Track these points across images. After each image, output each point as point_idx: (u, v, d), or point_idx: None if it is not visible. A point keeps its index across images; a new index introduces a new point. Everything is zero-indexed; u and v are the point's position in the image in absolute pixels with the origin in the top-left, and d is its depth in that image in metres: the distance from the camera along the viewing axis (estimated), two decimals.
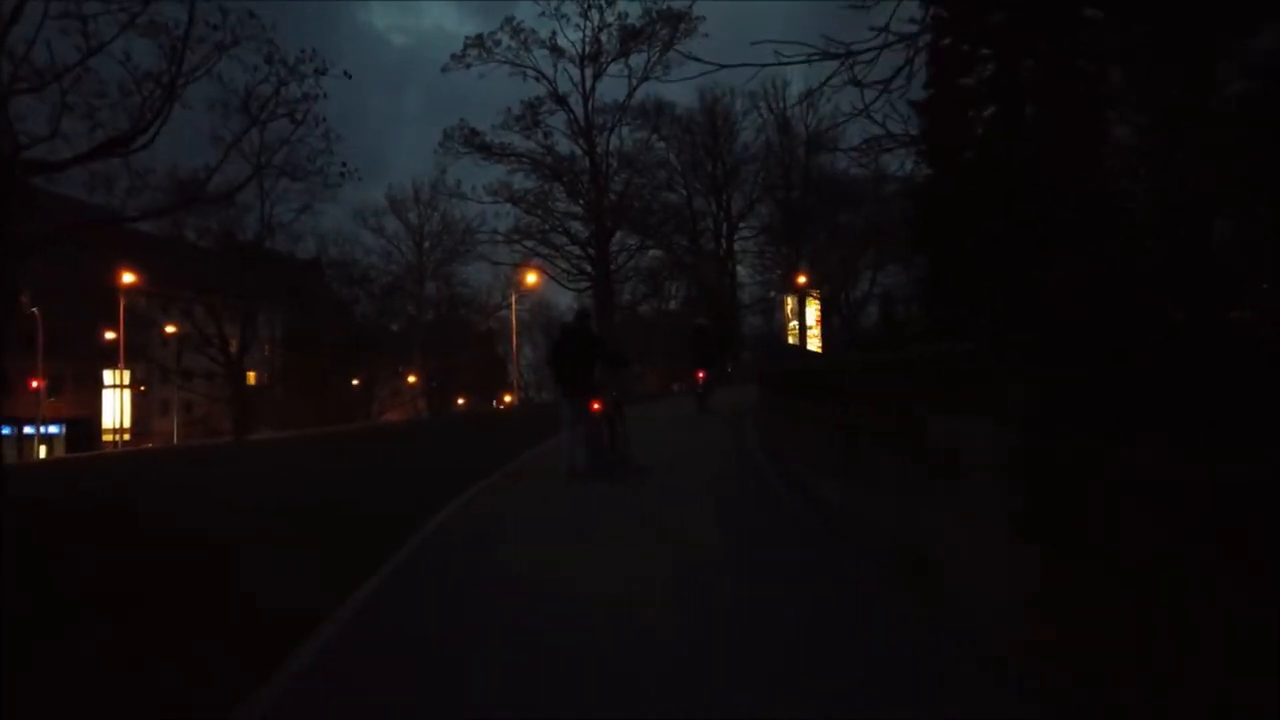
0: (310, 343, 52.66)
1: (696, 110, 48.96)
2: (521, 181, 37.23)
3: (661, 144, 42.94)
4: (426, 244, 49.27)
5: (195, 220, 39.62)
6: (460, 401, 77.01)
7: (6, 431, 42.11)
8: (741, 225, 53.50)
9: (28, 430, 43.27)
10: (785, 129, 53.05)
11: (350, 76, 20.39)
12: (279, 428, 41.07)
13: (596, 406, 9.90)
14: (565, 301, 69.28)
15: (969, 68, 22.46)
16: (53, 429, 48.86)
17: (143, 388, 47.30)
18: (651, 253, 42.53)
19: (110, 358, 45.82)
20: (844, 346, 37.05)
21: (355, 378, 59.20)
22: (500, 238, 39.30)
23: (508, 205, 37.81)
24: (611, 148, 37.71)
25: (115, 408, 42.07)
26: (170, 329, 44.60)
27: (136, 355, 44.62)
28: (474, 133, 36.75)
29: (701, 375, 18.97)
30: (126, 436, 42.11)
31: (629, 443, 10.49)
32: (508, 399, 57.65)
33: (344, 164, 23.56)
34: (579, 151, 37.00)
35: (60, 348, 41.14)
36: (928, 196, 23.14)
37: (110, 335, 45.66)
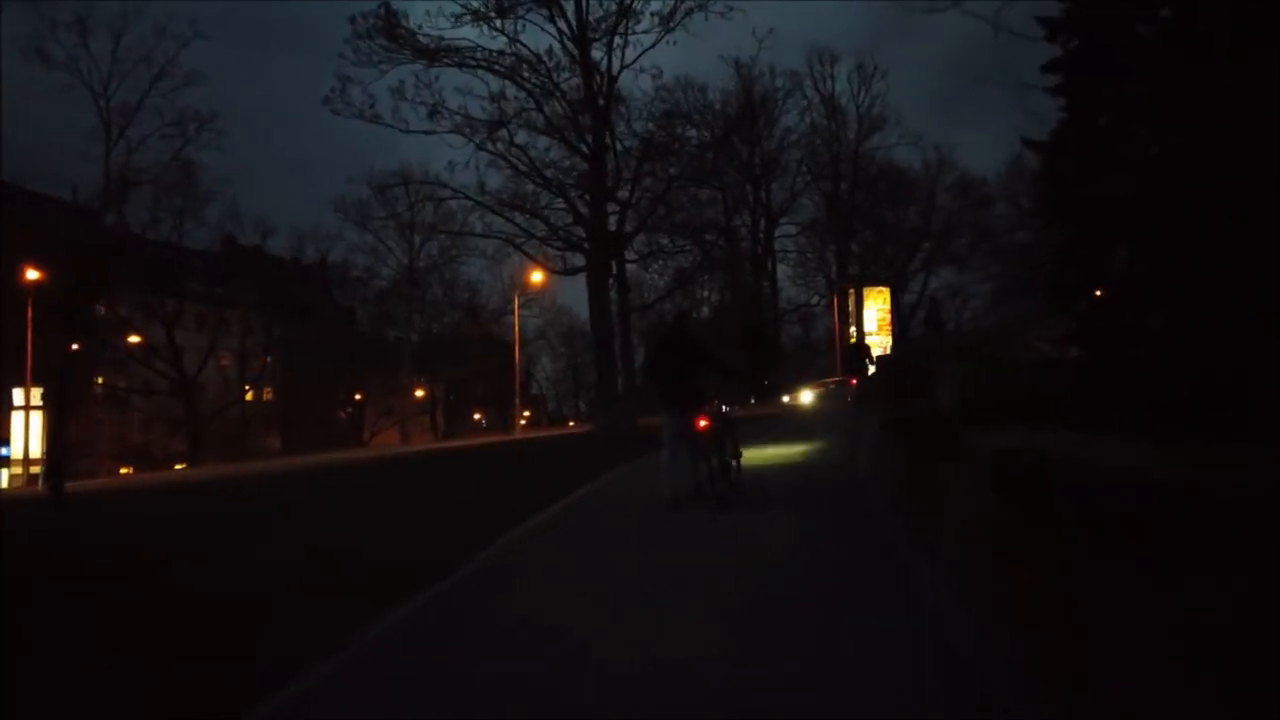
0: (303, 356, 47.15)
1: (731, 91, 42.86)
2: (466, 104, 27.03)
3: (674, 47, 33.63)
4: (418, 239, 42.83)
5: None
6: (476, 417, 70.87)
7: None
8: (783, 220, 47.43)
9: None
10: (834, 111, 47.35)
11: None
12: (233, 458, 34.67)
13: (703, 424, 8.82)
14: (585, 312, 63.10)
15: None
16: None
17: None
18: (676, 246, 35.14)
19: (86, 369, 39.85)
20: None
21: (356, 393, 53.48)
22: (449, 192, 29.48)
23: (465, 147, 27.55)
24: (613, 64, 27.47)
25: (24, 434, 35.54)
26: (135, 339, 38.84)
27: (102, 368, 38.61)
28: (392, 18, 25.39)
29: (854, 381, 22.36)
30: (35, 469, 35.85)
31: (740, 467, 9.59)
32: (524, 416, 51.14)
33: None
34: (565, 63, 26.68)
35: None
36: (1067, 140, 16.80)
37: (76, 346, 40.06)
